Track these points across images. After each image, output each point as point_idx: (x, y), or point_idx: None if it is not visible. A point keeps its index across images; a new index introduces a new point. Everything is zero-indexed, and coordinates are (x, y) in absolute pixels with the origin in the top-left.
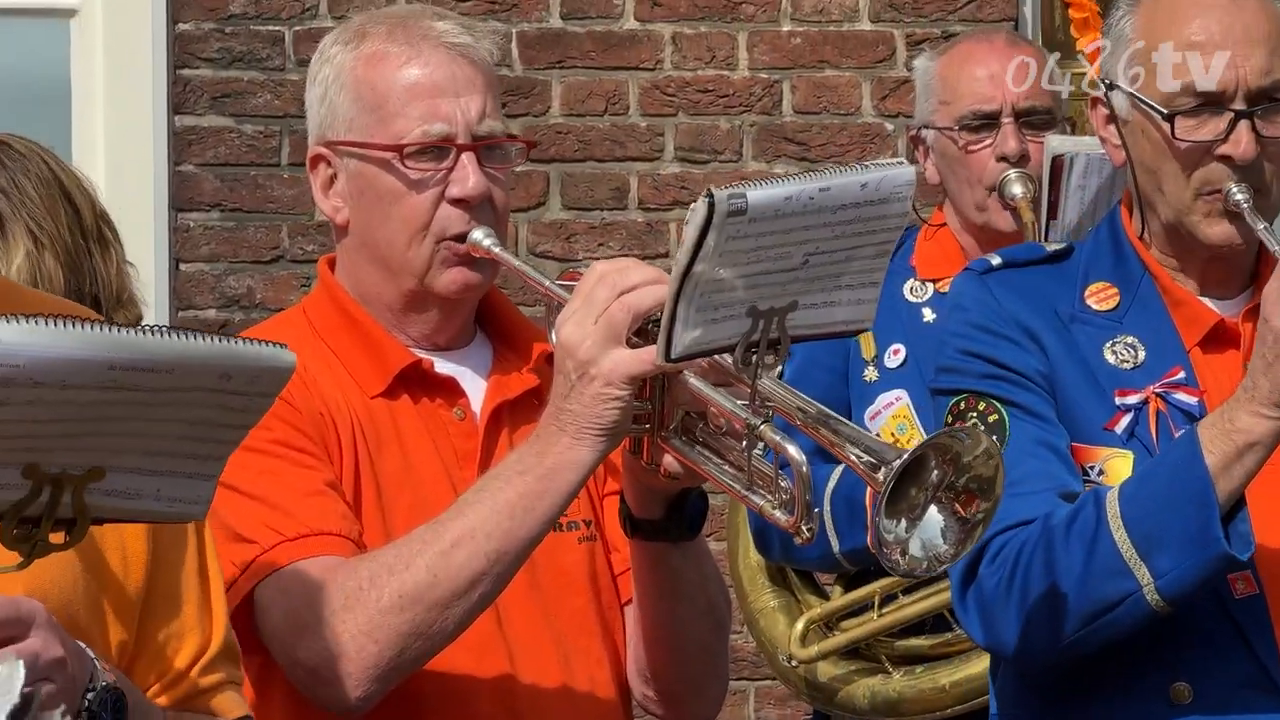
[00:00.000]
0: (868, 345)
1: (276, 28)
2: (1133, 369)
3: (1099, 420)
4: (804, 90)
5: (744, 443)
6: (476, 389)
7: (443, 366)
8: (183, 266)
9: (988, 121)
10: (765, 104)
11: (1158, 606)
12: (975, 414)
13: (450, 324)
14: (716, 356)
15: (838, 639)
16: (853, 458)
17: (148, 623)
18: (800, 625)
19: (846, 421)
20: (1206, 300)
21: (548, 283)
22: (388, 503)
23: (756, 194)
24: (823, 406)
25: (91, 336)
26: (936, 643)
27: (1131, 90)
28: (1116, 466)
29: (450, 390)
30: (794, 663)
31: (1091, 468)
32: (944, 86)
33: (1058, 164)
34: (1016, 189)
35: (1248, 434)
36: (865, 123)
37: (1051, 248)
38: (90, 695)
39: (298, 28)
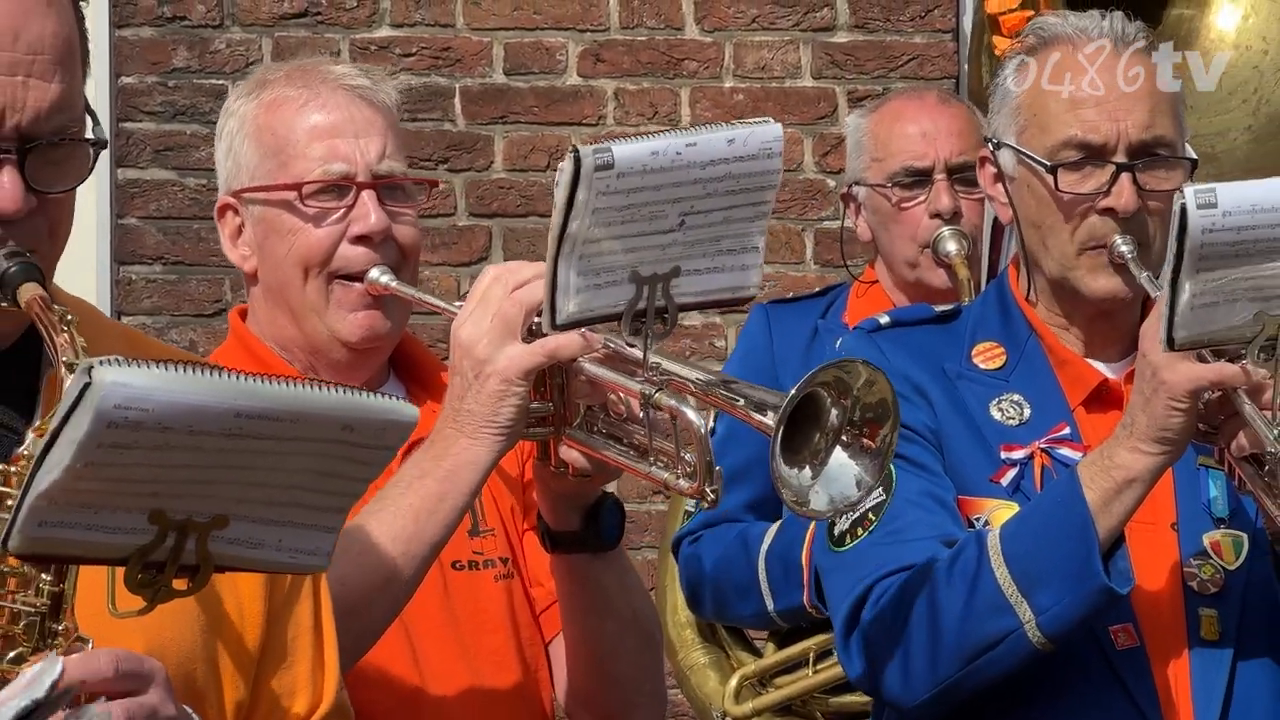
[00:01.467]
0: None
1: (220, 81)
2: (1018, 425)
3: (985, 473)
4: None
5: (643, 416)
6: None
7: None
8: (125, 319)
9: (920, 178)
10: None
11: (1039, 644)
12: None
13: (364, 367)
14: (610, 344)
15: (772, 696)
16: (748, 414)
17: (261, 679)
18: (734, 682)
19: (740, 382)
20: (1092, 361)
21: (450, 306)
22: None
23: (623, 149)
24: (715, 374)
25: (219, 384)
26: (870, 700)
27: (1016, 145)
28: (1001, 518)
29: None
30: (728, 718)
31: (977, 519)
32: (876, 143)
33: (999, 226)
34: (951, 246)
35: (1127, 470)
36: (807, 179)
37: (939, 308)
38: None
39: (241, 81)
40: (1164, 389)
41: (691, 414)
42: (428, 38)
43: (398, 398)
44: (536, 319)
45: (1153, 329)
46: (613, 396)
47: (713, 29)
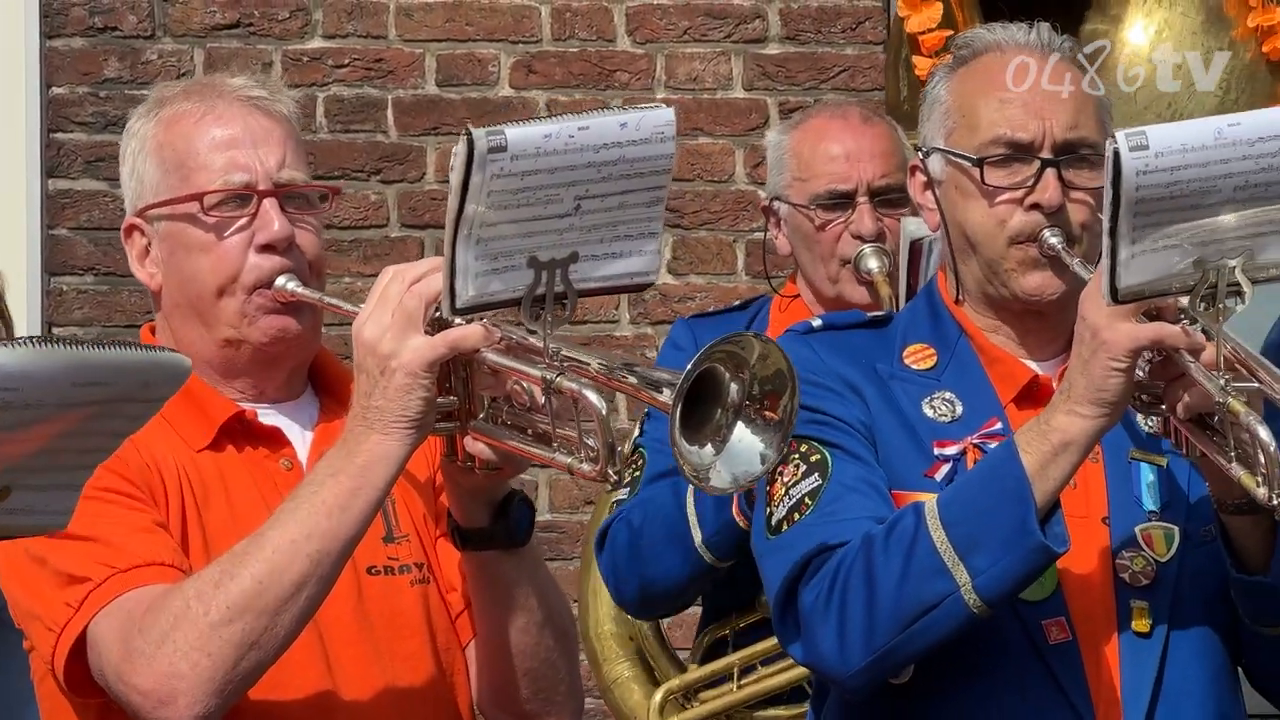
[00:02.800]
0: None
1: (151, 92)
2: (950, 422)
3: (919, 468)
4: (677, 157)
5: (545, 403)
6: (303, 440)
7: (267, 417)
8: (55, 330)
9: (843, 201)
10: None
11: (976, 608)
12: (798, 455)
13: (273, 374)
14: (511, 335)
15: (697, 710)
16: (649, 394)
17: None
18: (659, 696)
19: (639, 365)
20: (1026, 360)
21: (356, 308)
22: (214, 554)
23: (516, 131)
24: (615, 356)
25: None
26: (795, 713)
27: (945, 147)
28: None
29: (275, 440)
30: None
31: (911, 508)
32: (799, 163)
33: (916, 247)
34: (872, 263)
35: (1063, 433)
36: (739, 190)
37: (871, 314)
38: None
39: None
40: (1104, 349)
41: (592, 396)
42: (360, 49)
43: (312, 412)
44: (437, 311)
45: (1093, 292)
46: (515, 386)
47: (644, 41)
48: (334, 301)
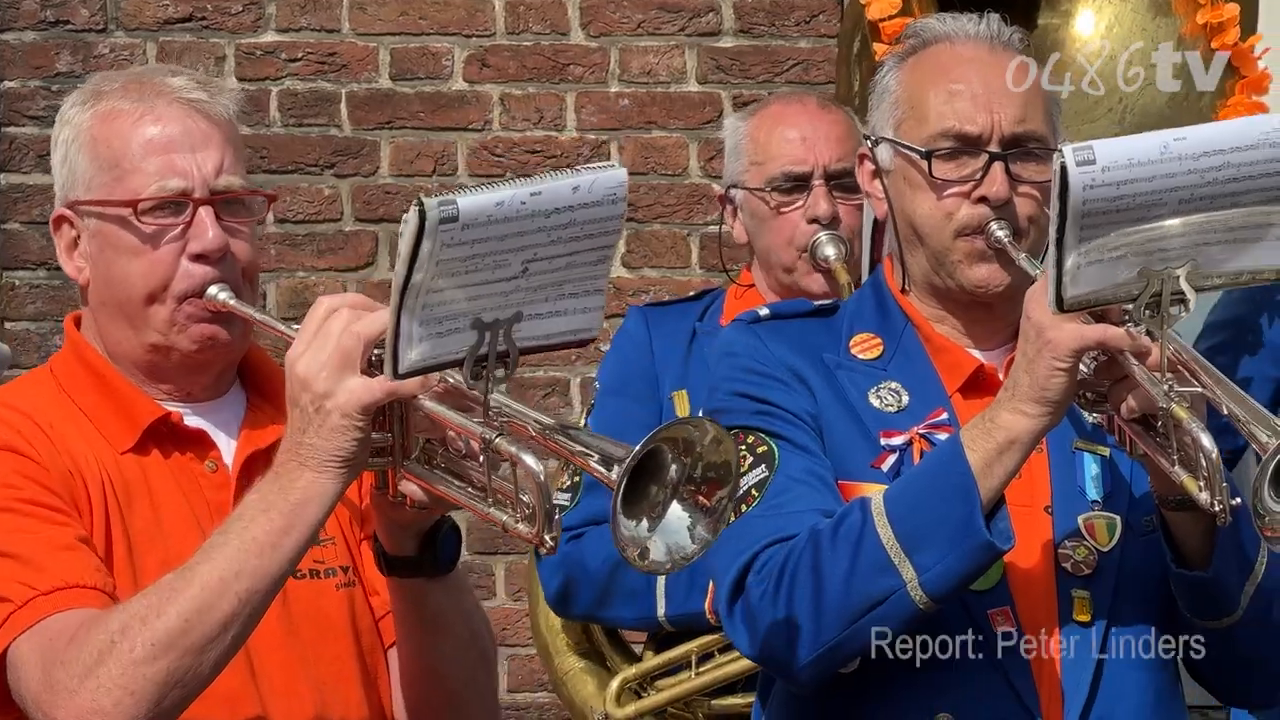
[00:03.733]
0: (682, 404)
1: (90, 80)
2: (897, 412)
3: (865, 459)
4: (631, 150)
5: (482, 466)
6: (228, 441)
7: (192, 420)
8: (8, 325)
9: (799, 183)
10: (591, 163)
11: (921, 603)
12: (745, 447)
13: (199, 378)
14: (450, 378)
15: (654, 699)
16: (589, 463)
17: None
18: (615, 685)
19: (580, 429)
20: (972, 349)
21: (288, 330)
22: (138, 559)
23: (467, 200)
24: (555, 418)
25: None
26: (751, 701)
27: (894, 138)
28: None
29: (201, 443)
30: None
31: (858, 502)
32: (755, 147)
33: (880, 227)
34: (829, 250)
35: (1008, 431)
36: (692, 183)
37: (817, 303)
38: None
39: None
40: (1048, 349)
41: (530, 461)
42: (314, 43)
43: (238, 410)
44: (377, 350)
45: (1039, 292)
46: (452, 433)
47: (598, 34)
48: (265, 319)
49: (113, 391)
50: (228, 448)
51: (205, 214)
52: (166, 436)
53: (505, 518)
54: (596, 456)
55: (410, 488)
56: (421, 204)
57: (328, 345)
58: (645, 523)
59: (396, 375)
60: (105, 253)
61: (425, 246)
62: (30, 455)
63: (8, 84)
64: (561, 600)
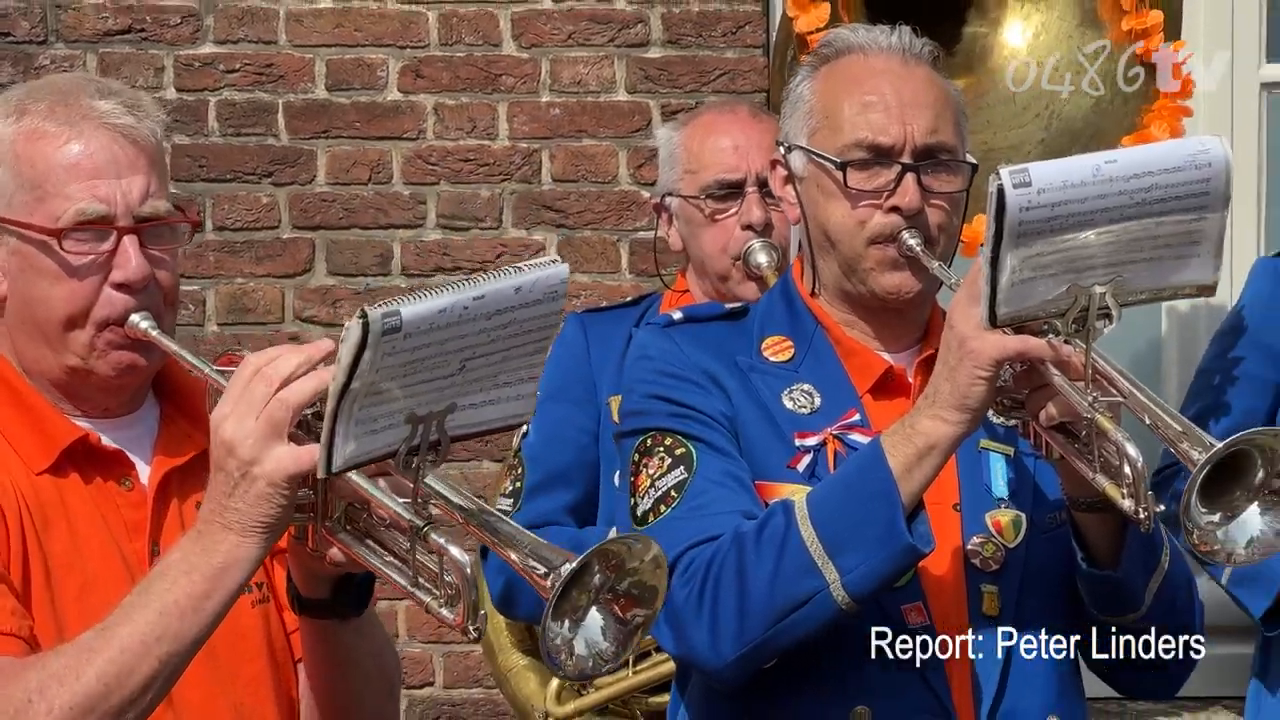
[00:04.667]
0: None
1: (16, 89)
2: (810, 413)
3: (781, 460)
4: (562, 159)
5: (407, 539)
6: (145, 456)
7: (110, 438)
8: None
9: (732, 190)
10: (525, 172)
11: (844, 604)
12: (662, 449)
13: (115, 396)
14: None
15: (593, 696)
16: (517, 561)
17: None
18: (555, 684)
19: (508, 521)
20: (881, 351)
21: (206, 369)
22: (56, 585)
23: (410, 310)
24: (484, 505)
25: None
26: None
27: (807, 146)
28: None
29: (119, 463)
30: (550, 718)
31: (781, 505)
32: (689, 156)
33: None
34: (761, 258)
35: (928, 437)
36: (622, 190)
37: (729, 306)
38: None
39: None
40: (970, 358)
41: (457, 554)
42: (251, 54)
43: (152, 423)
44: (307, 411)
45: (962, 302)
46: (376, 506)
47: (529, 45)
48: (184, 354)
49: (29, 409)
50: (143, 466)
51: (129, 243)
52: (83, 457)
53: (429, 599)
54: (530, 559)
55: (333, 551)
56: (365, 315)
57: (254, 410)
58: (567, 624)
59: (329, 472)
60: (26, 273)
61: (366, 356)
62: None
63: None
64: (505, 602)
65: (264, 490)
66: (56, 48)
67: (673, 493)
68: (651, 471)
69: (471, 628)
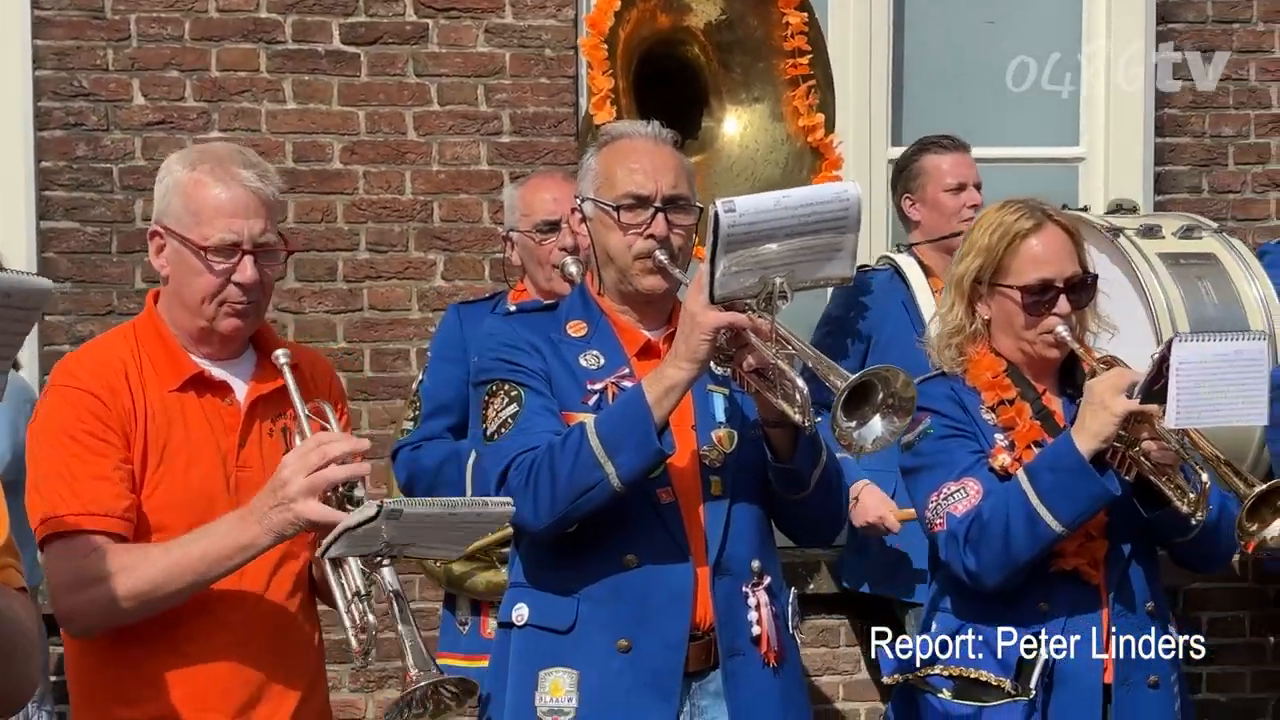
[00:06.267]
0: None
1: (194, 147)
2: (597, 369)
3: (578, 398)
4: (446, 207)
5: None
6: (241, 386)
7: (217, 373)
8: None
9: (553, 226)
10: (422, 215)
11: (618, 488)
12: (502, 392)
13: (227, 348)
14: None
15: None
16: (830, 379)
17: None
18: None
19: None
20: (642, 329)
21: (298, 405)
22: (169, 462)
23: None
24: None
25: None
26: None
27: (594, 198)
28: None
29: (223, 388)
30: (439, 564)
31: (578, 425)
32: (524, 205)
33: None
34: (572, 269)
35: (671, 380)
36: (484, 227)
37: (546, 302)
38: None
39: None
40: (698, 328)
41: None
42: (244, 138)
43: (250, 366)
44: (335, 490)
45: (694, 291)
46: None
47: (425, 134)
48: (294, 391)
49: (169, 350)
50: (240, 393)
51: (248, 260)
52: (201, 384)
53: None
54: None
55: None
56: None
57: (306, 469)
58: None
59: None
60: (182, 263)
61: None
62: (101, 397)
63: (44, 164)
64: (407, 491)
65: (290, 517)
66: (114, 134)
67: (509, 420)
68: (496, 407)
69: (365, 659)
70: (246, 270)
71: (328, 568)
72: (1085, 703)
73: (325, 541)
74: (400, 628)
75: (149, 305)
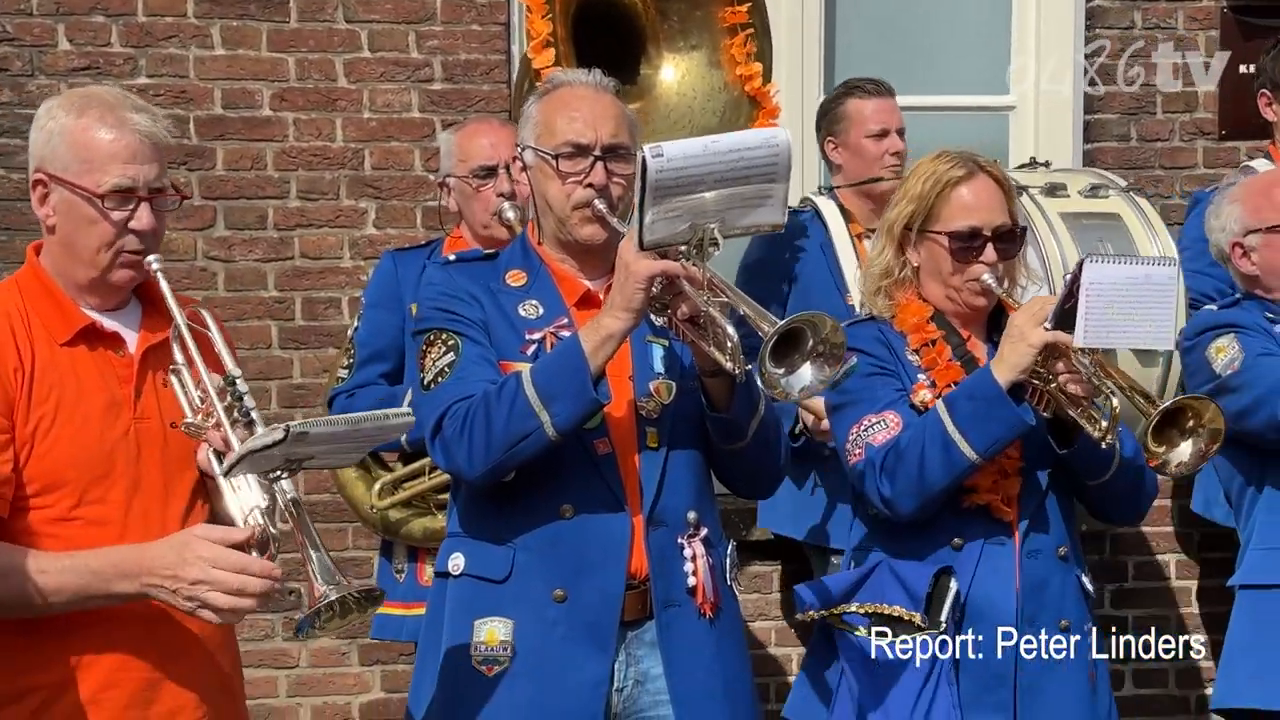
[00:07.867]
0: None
1: (75, 91)
2: (536, 319)
3: (516, 347)
4: (378, 155)
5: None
6: (132, 336)
7: (108, 324)
8: None
9: (490, 171)
10: (354, 163)
11: (553, 438)
12: (440, 341)
13: (115, 298)
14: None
15: (403, 494)
16: (759, 324)
17: None
18: (377, 486)
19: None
20: (582, 279)
21: (177, 315)
22: (62, 420)
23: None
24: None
25: None
26: None
27: (535, 146)
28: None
29: (115, 340)
30: (375, 510)
31: (514, 374)
32: (461, 151)
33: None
34: (511, 215)
35: (608, 330)
36: (416, 175)
37: (486, 251)
38: None
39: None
40: (632, 277)
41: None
42: (171, 85)
43: (136, 316)
44: (236, 411)
45: (629, 240)
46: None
47: (356, 81)
48: (168, 295)
49: (57, 302)
50: (131, 340)
51: (145, 207)
52: (93, 335)
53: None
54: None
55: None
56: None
57: (213, 565)
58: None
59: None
60: (73, 213)
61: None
62: None
63: None
64: None
65: (187, 589)
66: (39, 79)
67: (446, 369)
68: (433, 356)
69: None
70: (143, 217)
71: (223, 484)
72: (994, 636)
73: (227, 462)
74: (301, 538)
75: (29, 258)
